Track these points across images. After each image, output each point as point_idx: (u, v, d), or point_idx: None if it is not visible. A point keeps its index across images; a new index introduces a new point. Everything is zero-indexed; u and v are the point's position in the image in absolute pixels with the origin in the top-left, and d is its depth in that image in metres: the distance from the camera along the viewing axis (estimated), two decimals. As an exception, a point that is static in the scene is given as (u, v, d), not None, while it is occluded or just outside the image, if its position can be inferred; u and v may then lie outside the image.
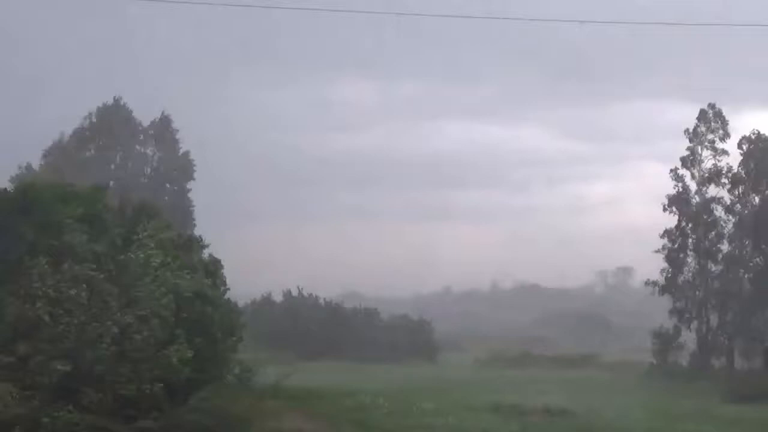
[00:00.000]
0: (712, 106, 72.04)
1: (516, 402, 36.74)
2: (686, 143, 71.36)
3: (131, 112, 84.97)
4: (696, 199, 71.20)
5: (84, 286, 23.21)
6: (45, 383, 21.84)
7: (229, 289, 28.36)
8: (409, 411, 33.12)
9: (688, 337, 70.42)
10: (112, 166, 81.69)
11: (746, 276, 70.24)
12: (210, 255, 28.18)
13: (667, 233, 70.54)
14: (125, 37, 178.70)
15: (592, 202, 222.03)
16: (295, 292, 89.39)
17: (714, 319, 69.99)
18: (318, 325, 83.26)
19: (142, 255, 24.74)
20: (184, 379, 24.37)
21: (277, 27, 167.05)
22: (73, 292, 22.94)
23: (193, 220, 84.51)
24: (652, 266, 71.64)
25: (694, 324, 69.91)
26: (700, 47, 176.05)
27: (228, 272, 28.44)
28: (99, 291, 23.26)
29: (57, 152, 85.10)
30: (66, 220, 24.32)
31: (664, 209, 70.89)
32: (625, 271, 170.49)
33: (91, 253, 23.94)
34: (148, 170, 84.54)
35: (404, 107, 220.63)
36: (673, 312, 69.81)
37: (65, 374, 22.15)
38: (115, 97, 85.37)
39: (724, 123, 71.54)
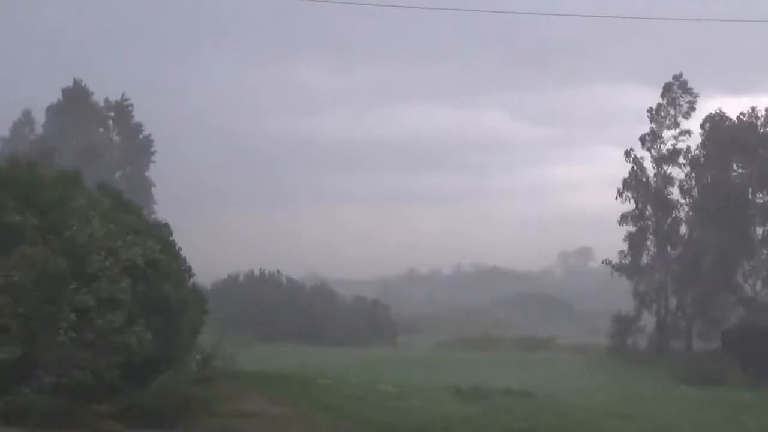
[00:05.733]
0: (677, 77, 69.27)
1: (477, 384, 36.70)
2: (646, 127, 69.24)
3: (92, 93, 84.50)
4: (654, 180, 69.62)
5: (32, 268, 22.28)
6: None
7: (191, 267, 27.77)
8: (372, 394, 33.03)
9: (647, 320, 70.83)
10: (71, 147, 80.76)
11: (704, 259, 70.00)
12: (163, 221, 27.40)
13: (624, 217, 69.59)
14: (88, 17, 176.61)
15: (552, 185, 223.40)
16: (257, 273, 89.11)
17: (673, 302, 70.24)
18: (279, 306, 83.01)
19: (88, 229, 23.59)
20: (142, 360, 23.80)
21: (238, 9, 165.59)
22: (16, 278, 22.01)
23: (154, 201, 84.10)
24: (612, 248, 71.66)
25: (653, 307, 70.13)
26: (660, 33, 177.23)
27: (193, 254, 27.98)
28: (51, 271, 22.42)
29: (15, 134, 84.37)
30: (6, 201, 23.25)
31: (619, 194, 69.09)
32: (586, 252, 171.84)
33: (34, 232, 23.03)
34: (108, 151, 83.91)
35: (366, 90, 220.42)
36: (636, 295, 69.82)
37: (19, 358, 21.55)
38: (75, 78, 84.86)
39: (692, 96, 68.81)
